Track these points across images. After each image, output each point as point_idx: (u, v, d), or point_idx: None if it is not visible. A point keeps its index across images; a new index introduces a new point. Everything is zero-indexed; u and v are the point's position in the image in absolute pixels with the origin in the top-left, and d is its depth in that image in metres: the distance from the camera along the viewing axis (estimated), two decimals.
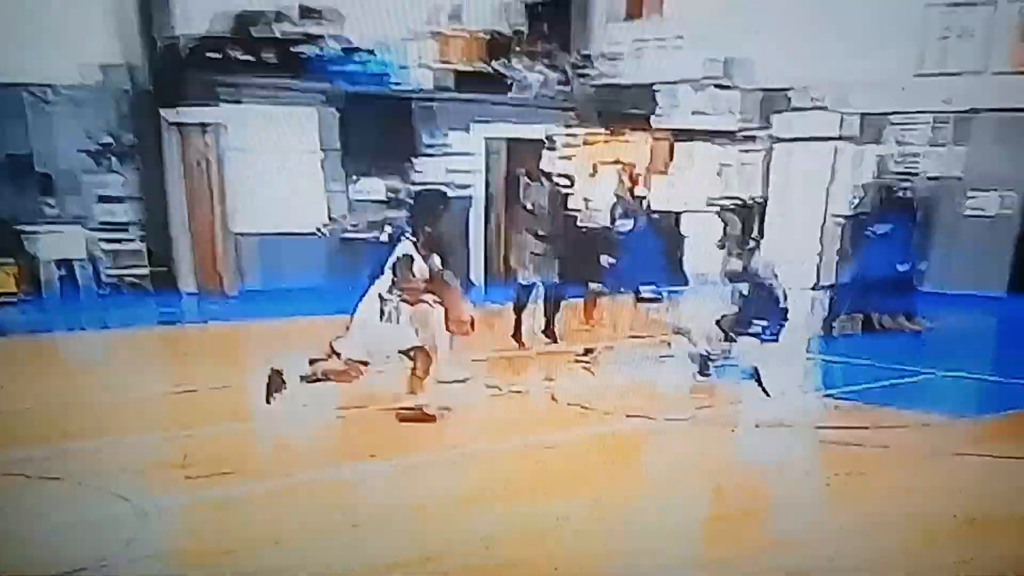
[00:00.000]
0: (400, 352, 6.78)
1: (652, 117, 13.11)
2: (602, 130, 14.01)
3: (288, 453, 6.11)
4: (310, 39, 12.89)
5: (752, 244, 8.04)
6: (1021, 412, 7.22)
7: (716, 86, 13.02)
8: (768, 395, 7.46)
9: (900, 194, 11.13)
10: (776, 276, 7.72)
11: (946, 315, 10.97)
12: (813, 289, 12.85)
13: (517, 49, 13.70)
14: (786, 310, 7.68)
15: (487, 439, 6.56)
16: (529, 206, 9.52)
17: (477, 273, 14.34)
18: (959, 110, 12.42)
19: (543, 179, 9.73)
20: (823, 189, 13.23)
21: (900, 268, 10.52)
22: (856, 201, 11.51)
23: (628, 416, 7.08)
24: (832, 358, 9.29)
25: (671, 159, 14.06)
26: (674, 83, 12.70)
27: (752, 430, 7.00)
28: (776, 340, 7.63)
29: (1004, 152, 12.20)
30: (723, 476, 5.90)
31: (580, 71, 13.77)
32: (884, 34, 12.09)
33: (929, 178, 12.64)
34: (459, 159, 13.84)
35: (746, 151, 13.78)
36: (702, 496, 5.58)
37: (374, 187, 13.55)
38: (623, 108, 13.44)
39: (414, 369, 6.79)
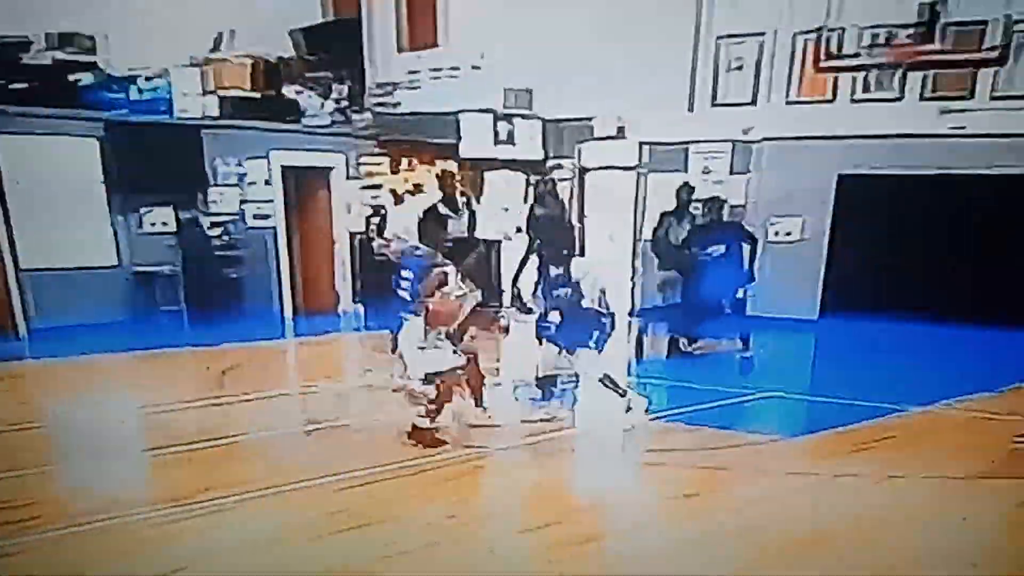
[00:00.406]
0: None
1: (460, 146, 12.82)
2: (408, 159, 13.73)
3: None
4: (85, 67, 12.11)
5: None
6: (839, 431, 7.34)
7: (518, 116, 12.87)
8: (624, 394, 7.53)
9: (721, 219, 11.37)
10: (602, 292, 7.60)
11: (764, 338, 11.21)
12: (630, 314, 12.97)
13: (307, 75, 13.21)
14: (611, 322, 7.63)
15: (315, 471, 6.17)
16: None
17: (285, 305, 13.82)
18: (753, 139, 12.73)
19: None
20: (631, 216, 13.39)
21: (726, 292, 10.78)
22: (688, 226, 11.73)
23: (465, 446, 6.90)
24: (655, 381, 9.29)
25: (482, 189, 13.87)
26: (476, 112, 12.48)
27: (588, 454, 7.02)
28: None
29: (795, 178, 12.59)
30: (560, 502, 5.86)
31: (378, 99, 13.39)
32: (679, 65, 12.28)
33: (732, 206, 12.87)
34: (255, 188, 13.30)
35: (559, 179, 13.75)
36: (539, 522, 5.44)
37: (166, 218, 12.82)
38: (427, 137, 13.12)
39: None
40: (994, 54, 11.42)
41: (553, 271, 7.62)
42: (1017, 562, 5.01)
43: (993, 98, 12.10)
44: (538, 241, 11.62)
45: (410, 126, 13.19)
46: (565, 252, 7.97)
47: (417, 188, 13.14)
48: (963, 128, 12.18)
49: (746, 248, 10.78)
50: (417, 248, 11.76)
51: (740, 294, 11.32)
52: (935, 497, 5.90)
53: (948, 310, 11.17)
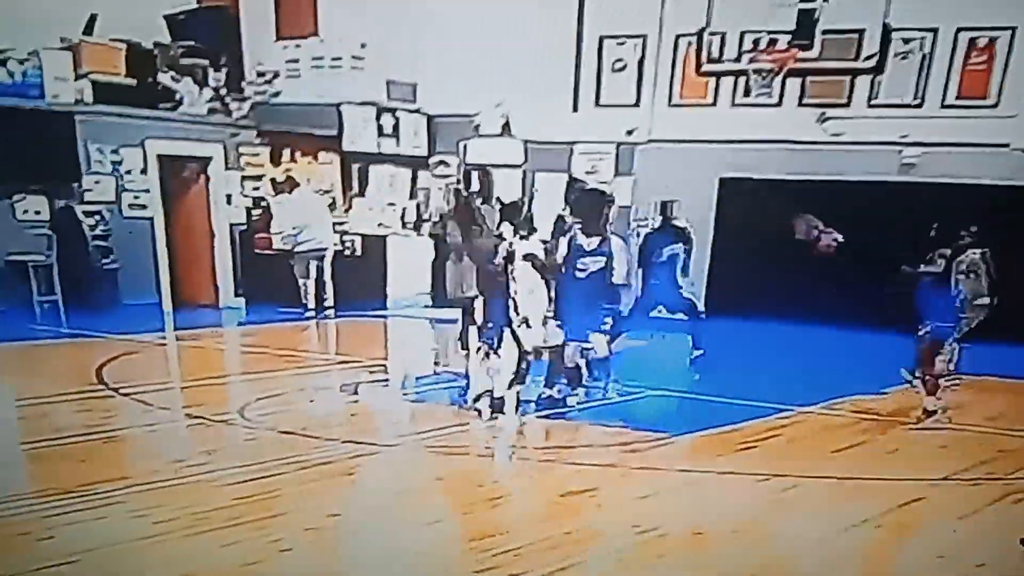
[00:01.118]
0: None
1: (343, 139, 12.57)
2: (289, 150, 13.40)
3: None
4: None
5: None
6: (724, 430, 7.31)
7: (402, 110, 12.66)
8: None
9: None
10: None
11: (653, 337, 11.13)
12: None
13: (183, 63, 12.75)
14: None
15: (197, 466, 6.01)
16: None
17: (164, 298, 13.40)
18: (638, 141, 12.73)
19: None
20: None
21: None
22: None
23: (344, 442, 6.73)
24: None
25: (367, 182, 13.63)
26: (358, 104, 12.23)
27: (477, 451, 6.91)
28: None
29: (679, 181, 12.61)
30: (449, 499, 5.80)
31: (256, 88, 13.02)
32: (563, 64, 12.20)
33: (620, 207, 12.85)
34: (131, 178, 12.83)
35: (441, 176, 13.57)
36: (429, 519, 5.33)
37: (39, 206, 12.31)
38: (308, 129, 12.81)
39: None
40: (871, 63, 11.58)
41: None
42: (898, 563, 5.05)
43: (871, 106, 12.35)
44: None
45: (291, 116, 12.86)
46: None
47: (290, 180, 12.71)
48: (842, 135, 12.41)
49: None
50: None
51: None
52: (818, 497, 5.92)
53: (829, 313, 11.33)
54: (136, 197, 12.93)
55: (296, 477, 5.86)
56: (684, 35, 11.97)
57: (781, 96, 12.06)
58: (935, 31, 11.88)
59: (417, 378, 9.46)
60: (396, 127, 12.77)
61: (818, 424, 7.79)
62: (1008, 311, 8.44)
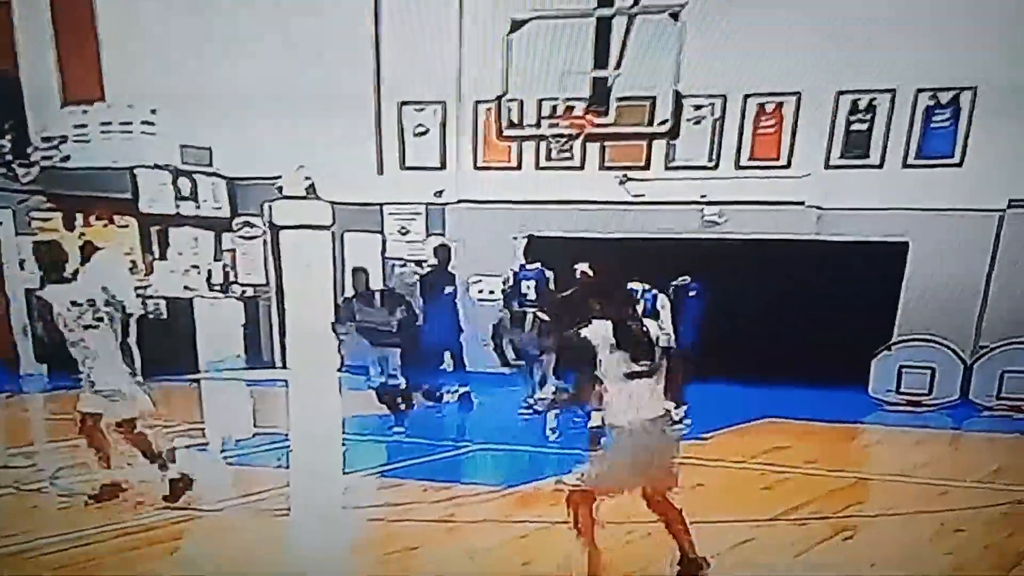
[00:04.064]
0: None
1: (140, 202, 12.10)
2: (84, 214, 12.83)
3: None
4: None
5: None
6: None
7: (199, 173, 12.31)
8: None
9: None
10: None
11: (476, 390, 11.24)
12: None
13: None
14: None
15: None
16: None
17: None
18: (447, 202, 12.74)
19: None
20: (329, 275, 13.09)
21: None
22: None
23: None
24: (367, 437, 9.28)
25: (167, 245, 13.17)
26: (151, 167, 11.83)
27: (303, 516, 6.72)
28: None
29: (488, 240, 12.70)
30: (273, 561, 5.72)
31: (43, 152, 12.44)
32: (364, 127, 12.13)
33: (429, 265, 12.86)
34: None
35: (246, 238, 13.24)
36: None
37: None
38: (102, 192, 12.30)
39: None
40: (665, 127, 11.90)
41: None
42: None
43: (668, 168, 12.71)
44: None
45: (83, 181, 12.32)
46: None
47: (89, 245, 12.18)
48: (643, 196, 12.71)
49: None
50: None
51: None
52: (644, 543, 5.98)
53: None
54: None
55: (115, 545, 5.82)
56: (482, 101, 12.07)
57: (583, 159, 12.30)
58: (724, 97, 12.36)
59: (237, 440, 9.24)
60: (194, 190, 12.39)
61: None
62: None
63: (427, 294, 10.90)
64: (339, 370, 12.81)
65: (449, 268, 11.06)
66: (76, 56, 12.45)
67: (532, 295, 10.50)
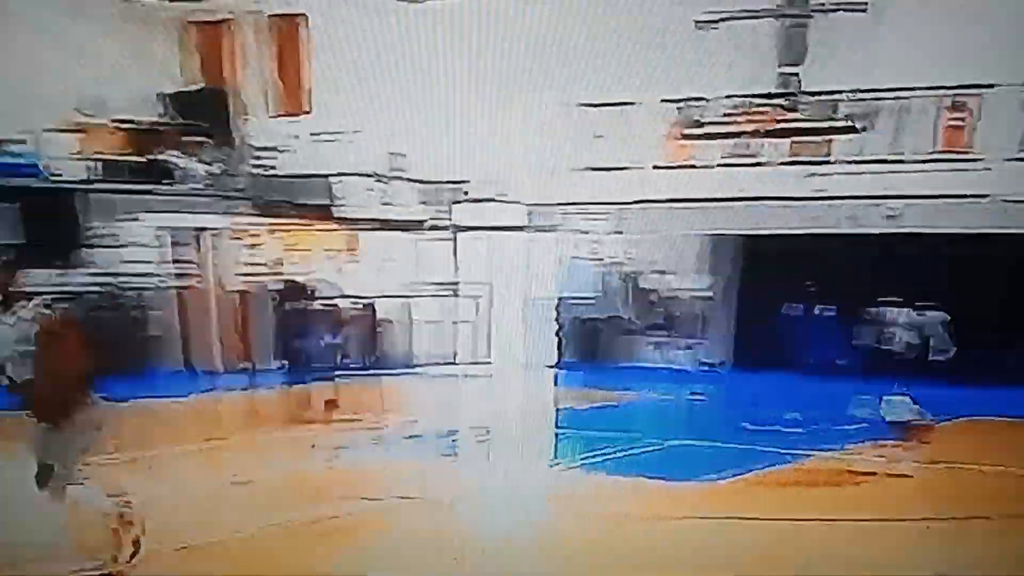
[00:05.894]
0: None
1: (333, 207, 12.88)
2: (285, 220, 13.63)
3: None
4: None
5: None
6: (744, 475, 7.55)
7: (392, 178, 12.99)
8: None
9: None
10: None
11: (677, 388, 11.55)
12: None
13: (179, 139, 13.03)
14: None
15: None
16: None
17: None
18: (626, 201, 12.98)
19: None
20: (521, 274, 13.52)
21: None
22: None
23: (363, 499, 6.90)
24: (574, 431, 9.27)
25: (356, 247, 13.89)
26: (350, 175, 12.55)
27: (497, 505, 6.95)
28: None
29: (667, 239, 12.96)
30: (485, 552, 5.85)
31: (253, 162, 13.30)
32: (552, 131, 12.49)
33: (612, 262, 13.21)
34: (133, 251, 13.00)
35: (435, 240, 13.82)
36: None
37: (42, 280, 12.47)
38: (301, 198, 13.10)
39: None
40: (850, 122, 11.92)
41: None
42: None
43: (850, 162, 12.64)
44: None
45: (286, 188, 13.14)
46: None
47: None
48: (824, 191, 12.69)
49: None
50: None
51: None
52: None
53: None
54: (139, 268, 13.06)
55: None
56: (668, 100, 12.35)
57: (766, 155, 12.36)
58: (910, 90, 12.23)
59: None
60: (392, 194, 13.15)
61: None
62: None
63: None
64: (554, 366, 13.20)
65: None
66: (287, 72, 13.32)
67: None
